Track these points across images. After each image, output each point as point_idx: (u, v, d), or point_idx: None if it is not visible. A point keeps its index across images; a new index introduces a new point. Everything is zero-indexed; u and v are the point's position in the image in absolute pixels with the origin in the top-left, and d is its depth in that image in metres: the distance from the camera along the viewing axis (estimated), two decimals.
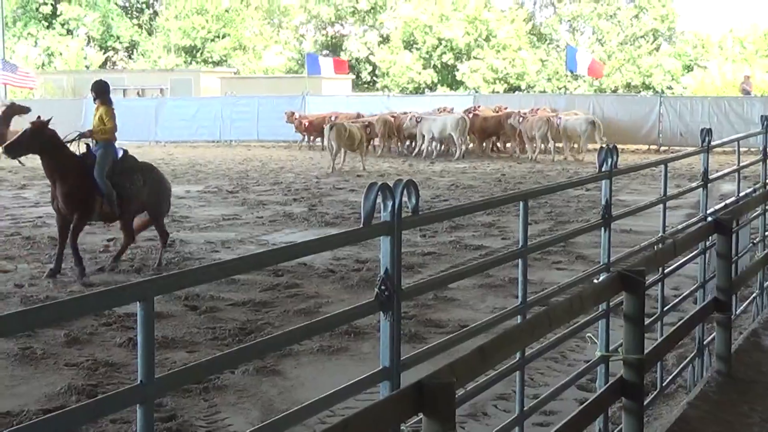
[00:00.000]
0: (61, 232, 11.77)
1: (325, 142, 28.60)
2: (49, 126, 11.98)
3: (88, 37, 63.44)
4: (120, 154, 12.37)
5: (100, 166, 12.00)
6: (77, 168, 11.95)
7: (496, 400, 6.91)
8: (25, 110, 28.90)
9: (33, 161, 29.99)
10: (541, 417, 6.41)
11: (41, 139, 11.73)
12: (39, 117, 12.34)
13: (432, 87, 58.38)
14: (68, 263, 11.83)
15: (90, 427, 6.27)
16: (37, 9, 61.35)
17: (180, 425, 6.56)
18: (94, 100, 12.60)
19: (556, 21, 63.81)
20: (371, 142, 31.65)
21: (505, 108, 33.45)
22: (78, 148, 12.49)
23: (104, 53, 64.15)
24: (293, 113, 35.69)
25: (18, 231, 15.14)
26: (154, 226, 12.75)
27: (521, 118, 30.56)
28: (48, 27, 61.44)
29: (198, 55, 62.20)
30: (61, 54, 60.08)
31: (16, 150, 12.05)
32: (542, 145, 30.60)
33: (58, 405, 6.79)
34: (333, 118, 30.63)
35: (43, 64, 59.75)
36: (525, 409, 5.27)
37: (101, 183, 11.92)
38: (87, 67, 60.06)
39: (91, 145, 12.45)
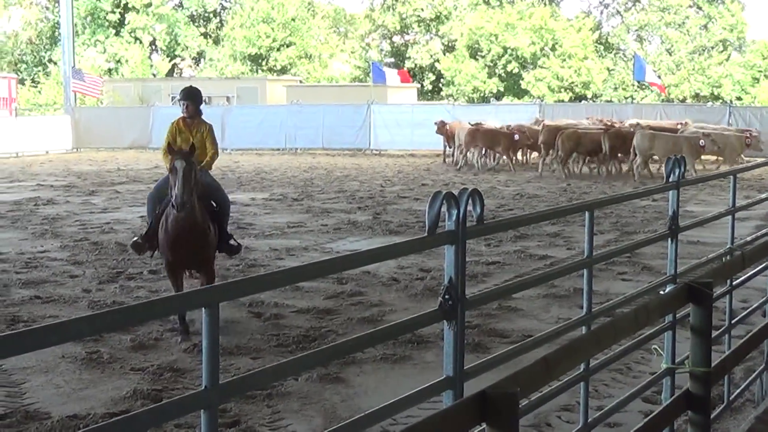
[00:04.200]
0: None
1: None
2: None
3: (154, 45, 64.37)
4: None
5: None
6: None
7: (560, 411, 6.84)
8: None
9: (101, 166, 30.54)
10: (605, 429, 6.34)
11: None
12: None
13: (497, 96, 58.17)
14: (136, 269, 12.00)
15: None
16: (105, 17, 62.47)
17: (243, 431, 6.61)
18: (196, 112, 9.91)
19: (624, 30, 63.17)
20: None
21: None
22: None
23: (171, 61, 65.04)
24: (444, 123, 33.08)
25: (86, 236, 15.39)
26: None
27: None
28: (116, 34, 62.53)
29: (263, 63, 62.75)
30: (127, 61, 61.06)
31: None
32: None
33: (123, 409, 6.88)
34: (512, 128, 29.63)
35: (110, 71, 60.75)
36: (589, 420, 5.22)
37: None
38: (154, 75, 60.92)
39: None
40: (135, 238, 9.92)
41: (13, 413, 6.91)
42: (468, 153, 29.64)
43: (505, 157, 29.57)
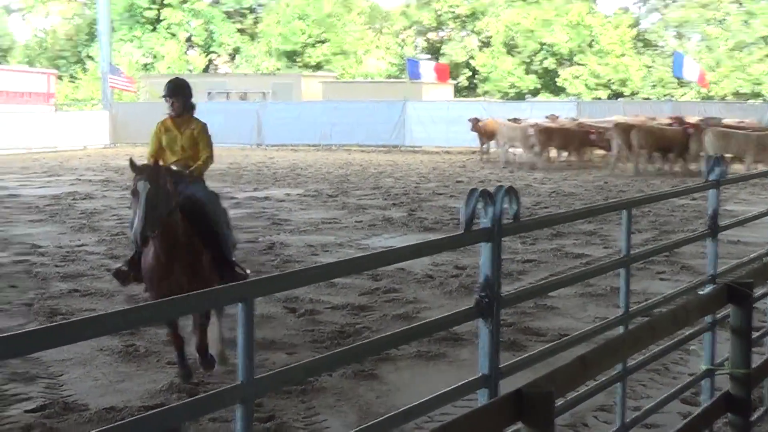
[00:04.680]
0: None
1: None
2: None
3: (191, 40, 64.80)
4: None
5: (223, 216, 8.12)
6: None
7: (596, 411, 6.79)
8: None
9: (138, 161, 30.70)
10: (643, 430, 6.28)
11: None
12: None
13: (534, 93, 57.93)
14: None
15: (190, 425, 6.36)
16: (141, 13, 62.99)
17: (278, 426, 6.61)
18: (184, 108, 8.12)
19: (662, 27, 62.69)
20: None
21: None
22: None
23: (207, 56, 65.42)
24: (478, 120, 33.06)
25: (123, 231, 15.48)
26: None
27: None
28: (152, 30, 63.04)
29: (298, 59, 62.95)
30: (163, 57, 61.50)
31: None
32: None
33: (159, 402, 6.91)
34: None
35: (146, 66, 61.20)
36: (626, 421, 5.17)
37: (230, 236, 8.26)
38: (190, 71, 61.29)
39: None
40: (118, 266, 8.08)
41: (52, 404, 6.98)
42: (540, 151, 29.49)
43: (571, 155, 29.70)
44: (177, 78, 8.31)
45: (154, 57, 62.14)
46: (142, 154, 28.50)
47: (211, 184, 8.39)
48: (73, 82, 61.91)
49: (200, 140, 8.05)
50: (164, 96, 8.09)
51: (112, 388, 7.45)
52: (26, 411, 6.88)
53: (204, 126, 8.14)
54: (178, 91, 8.06)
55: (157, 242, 7.07)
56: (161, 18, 63.13)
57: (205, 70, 63.99)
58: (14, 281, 11.49)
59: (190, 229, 7.34)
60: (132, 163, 7.06)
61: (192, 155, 8.01)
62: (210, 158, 8.08)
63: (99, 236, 14.97)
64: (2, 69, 53.42)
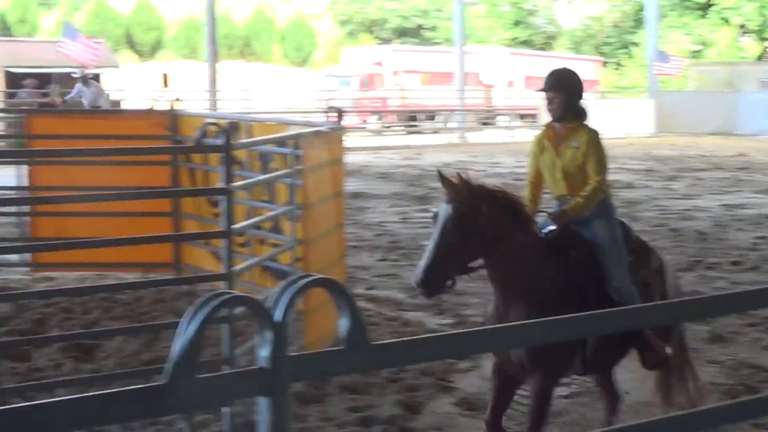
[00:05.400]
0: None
1: None
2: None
3: (743, 27, 62.64)
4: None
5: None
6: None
7: None
8: None
9: (683, 151, 30.25)
10: None
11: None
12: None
13: None
14: None
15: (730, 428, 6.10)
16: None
17: None
18: (567, 111, 5.79)
19: None
20: None
21: None
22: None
23: (762, 43, 62.85)
24: None
25: (665, 222, 15.38)
26: None
27: None
28: (702, 17, 61.98)
29: None
30: (713, 44, 60.21)
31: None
32: None
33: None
34: None
35: (694, 54, 60.28)
36: None
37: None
38: (742, 58, 59.27)
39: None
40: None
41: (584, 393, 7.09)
42: None
43: None
44: (562, 68, 6.03)
45: (703, 44, 61.02)
46: (688, 144, 28.15)
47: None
48: (618, 69, 62.87)
49: (588, 160, 5.70)
50: (541, 90, 5.87)
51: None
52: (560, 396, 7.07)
53: (594, 136, 5.78)
54: (558, 84, 5.81)
55: (494, 280, 5.37)
56: (712, 3, 61.81)
57: (759, 57, 61.47)
58: None
59: (553, 272, 5.44)
60: (440, 176, 5.22)
61: (579, 183, 5.73)
62: (600, 187, 5.68)
63: (639, 226, 14.99)
64: (548, 56, 55.97)
